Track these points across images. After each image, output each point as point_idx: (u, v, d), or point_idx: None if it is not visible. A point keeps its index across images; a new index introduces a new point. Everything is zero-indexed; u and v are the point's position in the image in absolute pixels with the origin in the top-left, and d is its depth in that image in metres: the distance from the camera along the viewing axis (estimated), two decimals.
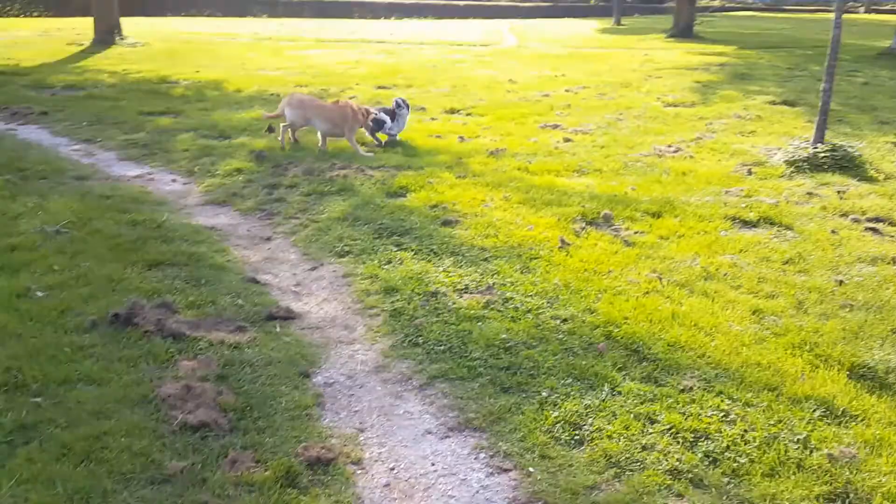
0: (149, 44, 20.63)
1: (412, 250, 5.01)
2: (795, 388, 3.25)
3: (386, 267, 4.75)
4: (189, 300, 4.20)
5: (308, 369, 3.59)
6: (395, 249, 5.03)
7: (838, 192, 6.40)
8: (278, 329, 3.98)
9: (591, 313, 4.01)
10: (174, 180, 6.99)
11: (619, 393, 3.25)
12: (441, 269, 4.69)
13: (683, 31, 27.41)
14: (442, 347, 3.69)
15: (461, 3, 56.01)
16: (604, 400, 3.19)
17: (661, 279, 4.49)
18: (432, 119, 10.10)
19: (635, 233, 5.43)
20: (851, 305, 4.13)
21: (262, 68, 15.75)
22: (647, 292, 4.31)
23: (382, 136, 8.46)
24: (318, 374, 3.57)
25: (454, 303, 4.18)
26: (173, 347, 3.63)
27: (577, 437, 2.96)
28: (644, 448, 2.88)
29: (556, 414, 3.09)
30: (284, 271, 4.90)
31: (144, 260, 4.73)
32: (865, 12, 55.24)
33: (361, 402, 3.33)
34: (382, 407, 3.28)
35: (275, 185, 6.68)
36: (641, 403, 3.16)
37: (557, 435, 2.97)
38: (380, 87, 13.17)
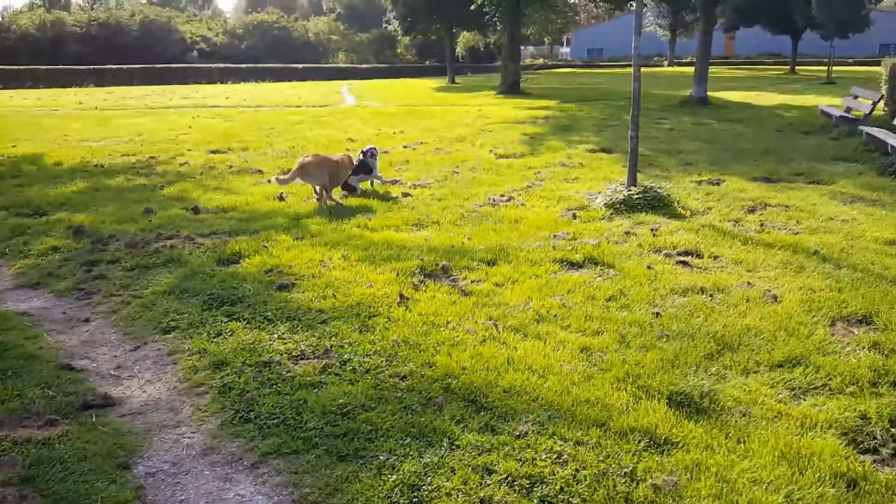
0: None
1: (245, 319, 4.79)
2: (621, 422, 3.38)
3: (215, 340, 4.50)
4: None
5: (128, 460, 3.28)
6: (227, 320, 4.80)
7: (651, 229, 6.92)
8: (94, 419, 3.63)
9: (430, 367, 4.00)
10: None
11: (458, 447, 3.23)
12: (276, 336, 4.51)
13: (511, 88, 29.10)
14: (275, 420, 3.51)
15: (300, 65, 56.33)
16: (443, 456, 3.15)
17: (496, 326, 4.58)
18: (269, 181, 9.89)
19: (472, 282, 5.54)
20: (668, 336, 4.41)
21: (86, 139, 14.86)
22: (484, 340, 4.37)
23: (365, 185, 9.14)
24: (140, 465, 3.27)
25: (289, 371, 4.01)
26: None
27: (415, 499, 2.88)
28: (482, 501, 2.86)
29: (394, 477, 3.01)
30: (103, 354, 4.51)
31: None
32: (669, 65, 61.51)
33: (187, 490, 3.08)
34: (210, 493, 3.04)
35: (95, 262, 6.21)
36: (479, 454, 3.16)
37: (395, 500, 2.88)
38: (213, 152, 12.82)
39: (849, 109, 14.91)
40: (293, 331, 4.58)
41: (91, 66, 46.30)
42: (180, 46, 61.13)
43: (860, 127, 12.73)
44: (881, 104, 14.52)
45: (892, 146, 10.25)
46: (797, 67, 47.45)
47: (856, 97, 15.39)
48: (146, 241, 6.77)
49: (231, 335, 4.57)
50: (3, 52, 50.37)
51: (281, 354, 4.23)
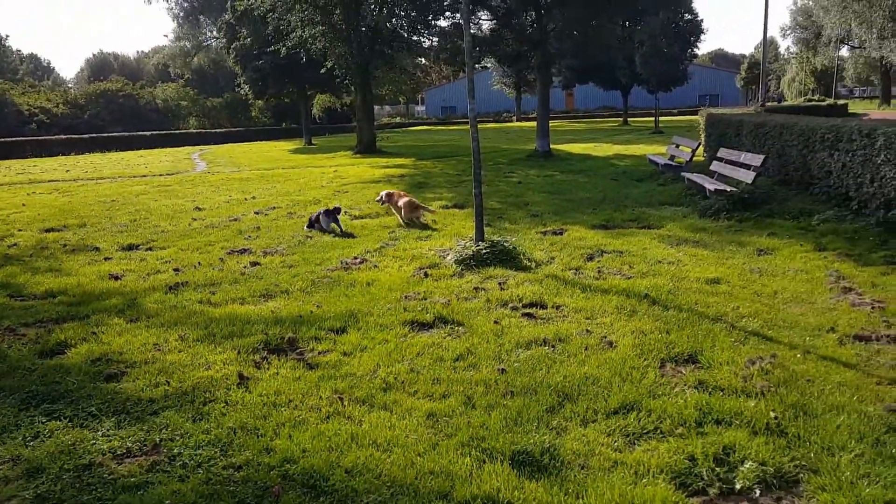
0: None
1: (66, 417, 4.37)
2: (464, 490, 3.35)
3: (31, 444, 4.06)
4: None
5: None
6: (46, 420, 4.35)
7: (499, 283, 7.10)
8: None
9: (268, 453, 3.79)
10: None
11: None
12: (100, 434, 4.13)
13: (368, 148, 29.43)
14: None
15: (147, 133, 54.06)
16: None
17: (342, 399, 4.46)
18: (106, 259, 9.28)
19: (319, 353, 5.39)
20: (512, 392, 4.48)
21: None
22: (328, 416, 4.23)
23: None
24: None
25: (111, 473, 3.67)
26: None
27: None
28: None
29: None
30: None
31: None
32: (517, 120, 64.86)
33: None
34: None
35: None
36: None
37: None
38: (47, 230, 11.88)
39: (672, 157, 16.27)
40: (119, 426, 4.21)
41: None
42: (17, 119, 56.98)
43: (682, 173, 13.90)
44: (700, 150, 15.97)
45: (709, 190, 11.25)
46: (629, 119, 51.65)
47: (678, 146, 16.85)
48: None
49: (50, 437, 4.14)
50: None
51: (104, 454, 3.87)
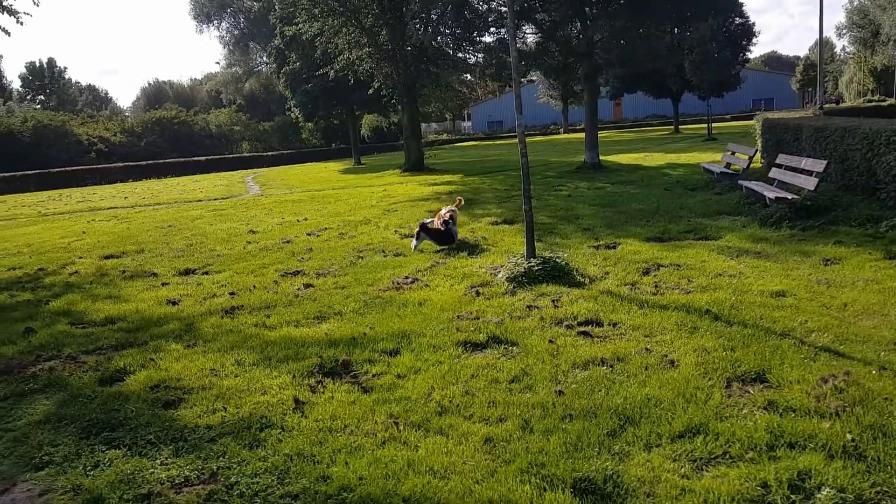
0: None
1: (125, 445, 4.41)
2: None
3: (91, 473, 4.11)
4: None
5: None
6: (106, 448, 4.40)
7: (553, 301, 6.96)
8: None
9: (325, 481, 3.75)
10: None
11: None
12: (158, 462, 4.16)
13: (416, 165, 29.62)
14: None
15: (202, 158, 55.66)
16: None
17: (397, 424, 4.39)
18: (164, 284, 9.48)
19: (374, 375, 5.35)
20: (571, 415, 4.33)
21: None
22: (384, 442, 4.17)
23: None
24: None
25: (170, 502, 3.68)
26: None
27: None
28: None
29: None
30: None
31: None
32: (564, 132, 64.47)
33: None
34: None
35: None
36: None
37: None
38: (106, 257, 12.24)
39: (728, 165, 15.84)
40: (177, 454, 4.24)
41: None
42: (77, 149, 59.46)
43: (739, 181, 13.50)
44: (757, 157, 15.51)
45: (769, 198, 10.88)
46: (680, 127, 50.73)
47: (733, 153, 16.41)
48: (23, 364, 6.25)
49: (109, 465, 4.18)
50: None
51: (162, 483, 3.89)
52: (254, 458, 4.08)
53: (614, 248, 9.50)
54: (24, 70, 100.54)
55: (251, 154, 63.58)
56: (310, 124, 53.85)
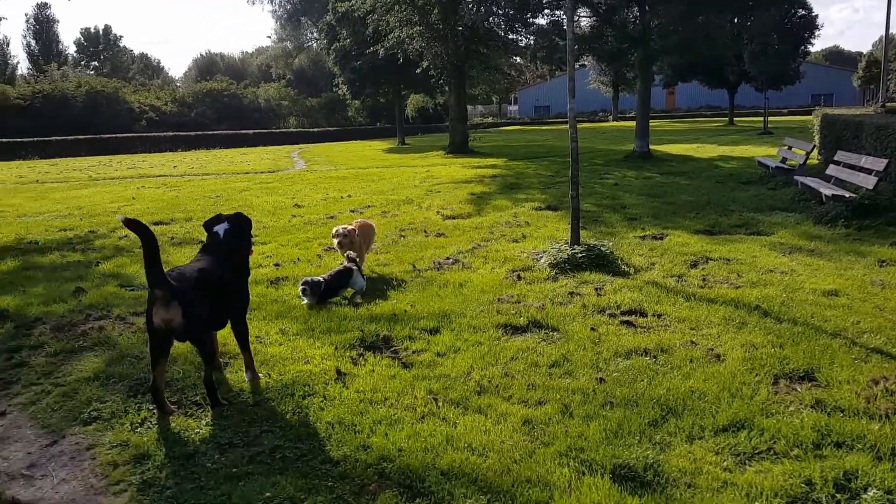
0: None
1: (172, 405, 4.52)
2: (563, 502, 3.23)
3: (138, 430, 4.23)
4: None
5: None
6: (152, 407, 4.51)
7: (596, 289, 6.89)
8: None
9: (365, 450, 3.79)
10: None
11: None
12: (203, 423, 4.26)
13: (460, 147, 29.51)
14: None
15: (250, 131, 56.37)
16: None
17: (436, 400, 4.41)
18: None
19: (414, 352, 5.38)
20: (612, 403, 4.30)
21: (23, 214, 14.42)
22: (423, 417, 4.20)
23: None
24: None
25: (214, 463, 3.76)
26: None
27: None
28: None
29: None
30: (17, 451, 4.17)
31: None
32: (613, 120, 63.48)
33: None
34: None
35: (17, 348, 5.85)
36: None
37: None
38: (156, 223, 12.51)
39: (784, 160, 15.43)
40: (222, 415, 4.33)
41: (34, 139, 45.54)
42: (128, 116, 60.75)
43: (795, 177, 13.14)
44: (815, 153, 15.07)
45: (825, 195, 10.57)
46: (735, 119, 49.49)
47: (790, 147, 15.97)
48: (74, 323, 6.45)
49: (155, 424, 4.30)
50: None
51: (207, 444, 3.98)
52: (296, 424, 4.15)
53: (661, 238, 9.35)
54: (80, 36, 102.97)
55: (297, 129, 64.15)
56: (356, 102, 54.01)
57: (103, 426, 4.35)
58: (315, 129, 62.81)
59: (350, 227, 7.89)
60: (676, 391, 4.43)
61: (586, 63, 51.40)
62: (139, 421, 4.34)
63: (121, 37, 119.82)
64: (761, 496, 3.29)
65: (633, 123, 24.61)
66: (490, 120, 79.55)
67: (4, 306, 7.00)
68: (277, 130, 62.30)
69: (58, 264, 9.24)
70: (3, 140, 44.86)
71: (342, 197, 15.50)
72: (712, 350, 5.14)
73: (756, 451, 3.71)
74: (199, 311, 4.35)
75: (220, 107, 67.75)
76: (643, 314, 6.11)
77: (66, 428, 4.40)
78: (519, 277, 7.51)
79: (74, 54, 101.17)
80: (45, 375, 5.26)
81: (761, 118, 39.15)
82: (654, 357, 5.07)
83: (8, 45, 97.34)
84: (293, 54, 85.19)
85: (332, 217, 12.45)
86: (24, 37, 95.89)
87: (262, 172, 24.27)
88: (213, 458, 3.82)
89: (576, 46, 8.12)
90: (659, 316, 6.06)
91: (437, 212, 12.57)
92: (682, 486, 3.40)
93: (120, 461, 3.89)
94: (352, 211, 13.13)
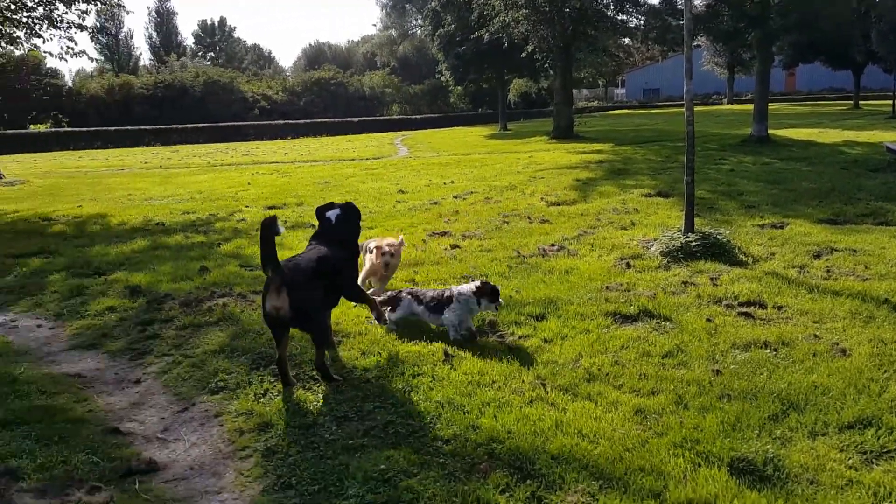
0: (29, 181, 19.95)
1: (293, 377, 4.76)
2: (678, 493, 3.17)
3: (262, 400, 4.48)
4: (38, 463, 3.76)
5: None
6: (273, 380, 4.77)
7: (711, 279, 6.65)
8: (137, 485, 3.61)
9: (475, 430, 3.85)
10: (39, 326, 6.47)
11: None
12: (320, 396, 4.46)
13: (564, 132, 29.06)
14: (317, 487, 3.42)
15: (355, 119, 57.83)
16: None
17: (544, 385, 4.42)
18: None
19: (520, 337, 5.40)
20: (729, 395, 4.16)
21: (149, 197, 15.43)
22: (531, 401, 4.21)
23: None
24: None
25: (331, 434, 3.94)
26: None
27: None
28: None
29: None
30: (151, 416, 4.52)
31: None
32: (728, 103, 60.63)
33: None
34: None
35: (149, 322, 6.31)
36: None
37: None
38: (270, 208, 13.09)
39: None
40: (338, 391, 4.51)
41: (157, 127, 48.65)
42: (242, 105, 63.73)
43: None
44: None
45: None
46: (861, 102, 46.14)
47: None
48: (200, 299, 6.87)
49: (277, 395, 4.54)
50: (74, 115, 53.59)
51: (325, 416, 4.17)
52: (407, 402, 4.27)
53: (781, 227, 8.90)
54: (197, 27, 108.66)
55: (400, 117, 65.27)
56: (459, 88, 54.22)
57: (229, 395, 4.63)
58: (417, 116, 63.68)
59: (396, 242, 6.48)
60: (798, 386, 4.24)
61: (700, 44, 49.27)
62: (262, 392, 4.60)
63: (235, 28, 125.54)
64: (890, 497, 3.11)
65: (749, 107, 23.41)
66: (595, 104, 77.81)
67: (137, 282, 7.56)
68: (381, 118, 63.62)
69: (183, 244, 9.85)
70: (129, 128, 48.17)
71: (445, 183, 15.65)
72: (837, 344, 4.87)
73: (885, 451, 3.51)
74: (308, 301, 4.56)
75: (326, 95, 69.87)
76: (763, 306, 5.85)
77: (196, 396, 4.72)
78: (628, 265, 7.36)
79: (192, 45, 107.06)
80: (175, 347, 5.65)
81: (890, 101, 36.27)
82: (775, 350, 4.86)
83: (132, 37, 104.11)
84: (397, 42, 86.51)
85: (435, 203, 12.60)
86: (146, 29, 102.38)
87: (366, 159, 24.86)
88: (330, 430, 3.99)
89: (692, 27, 7.81)
90: (780, 308, 5.79)
91: (541, 198, 12.47)
92: (804, 483, 3.26)
93: (245, 428, 4.14)
94: (454, 197, 13.23)
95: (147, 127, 48.72)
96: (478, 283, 5.50)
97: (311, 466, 3.61)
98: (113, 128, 47.78)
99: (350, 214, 5.39)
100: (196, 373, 5.07)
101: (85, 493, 3.50)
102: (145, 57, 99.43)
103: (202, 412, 4.49)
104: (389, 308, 5.66)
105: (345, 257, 5.17)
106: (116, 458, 3.87)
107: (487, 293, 5.38)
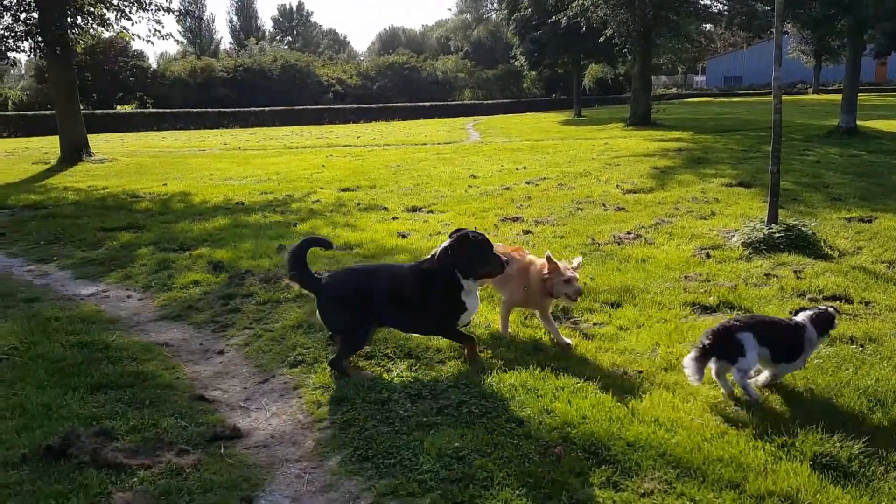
0: (116, 159, 20.87)
1: (367, 357, 4.86)
2: (758, 485, 3.10)
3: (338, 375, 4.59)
4: (130, 425, 3.98)
5: (251, 493, 3.37)
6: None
7: (795, 271, 6.43)
8: (222, 450, 3.77)
9: (548, 414, 3.86)
10: (129, 296, 6.82)
11: (577, 501, 3.07)
12: (395, 374, 4.55)
13: (642, 119, 28.42)
14: (392, 461, 3.50)
15: (427, 104, 58.05)
16: None
17: (621, 373, 4.37)
18: (394, 218, 10.15)
19: (595, 324, 5.35)
20: (812, 389, 4.03)
21: (229, 178, 15.93)
22: (607, 387, 4.18)
23: None
24: (262, 498, 3.35)
25: (406, 410, 4.01)
26: (108, 479, 3.40)
27: None
28: None
29: None
30: (234, 386, 4.71)
31: (87, 384, 4.51)
32: (813, 93, 57.96)
33: None
34: None
35: (231, 296, 6.54)
36: None
37: None
38: (343, 190, 13.33)
39: None
40: (411, 369, 4.59)
41: (236, 109, 50.09)
42: (318, 88, 64.84)
43: None
44: None
45: None
46: None
47: None
48: (278, 276, 7.07)
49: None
50: (158, 97, 55.72)
51: (399, 393, 4.25)
52: (479, 383, 4.30)
53: (870, 221, 8.50)
54: (276, 12, 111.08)
55: (472, 101, 65.10)
56: (533, 73, 53.59)
57: (307, 369, 4.78)
58: (489, 101, 63.36)
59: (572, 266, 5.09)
60: (886, 383, 4.07)
61: (787, 30, 47.13)
62: None
63: (312, 12, 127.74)
64: None
65: (836, 97, 22.34)
66: (674, 91, 75.62)
67: (220, 258, 7.84)
68: (453, 102, 63.64)
69: (262, 224, 10.16)
70: (210, 110, 49.76)
71: (517, 168, 15.57)
72: None
73: None
74: (333, 313, 4.68)
75: (399, 79, 70.31)
76: (849, 300, 5.63)
77: (276, 368, 4.88)
78: (708, 256, 7.18)
79: (271, 29, 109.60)
80: (256, 321, 5.85)
81: None
82: (861, 346, 4.68)
83: (213, 21, 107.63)
84: (472, 26, 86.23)
85: (507, 188, 12.56)
86: (228, 13, 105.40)
87: (438, 144, 24.94)
88: (405, 406, 4.07)
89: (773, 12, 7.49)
90: (867, 303, 5.55)
91: (617, 185, 12.27)
92: (891, 481, 3.14)
93: (323, 401, 4.27)
94: (527, 183, 13.16)
95: (226, 109, 50.24)
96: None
97: (386, 440, 3.69)
98: (195, 109, 49.49)
99: (456, 248, 4.52)
100: (276, 346, 5.24)
101: (174, 455, 3.68)
102: (226, 41, 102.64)
103: (282, 384, 4.64)
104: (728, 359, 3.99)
105: (410, 289, 4.60)
106: (202, 423, 4.05)
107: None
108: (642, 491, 3.12)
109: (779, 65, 7.46)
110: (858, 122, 20.79)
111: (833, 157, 15.47)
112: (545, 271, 4.89)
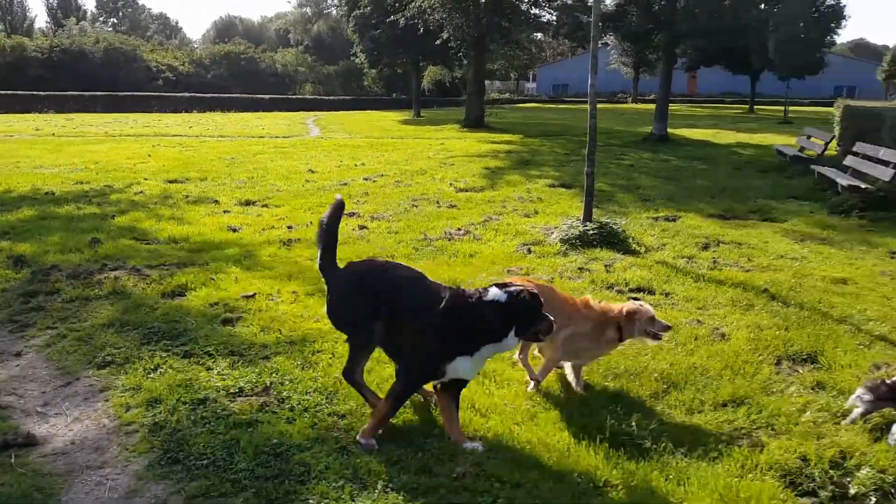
0: None
1: (184, 355, 4.63)
2: (562, 463, 3.31)
3: (151, 376, 4.33)
4: None
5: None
6: (165, 355, 4.62)
7: (605, 265, 6.94)
8: (13, 460, 3.43)
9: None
10: None
11: (392, 489, 3.11)
12: (215, 372, 4.36)
13: (476, 122, 29.34)
14: (205, 461, 3.36)
15: (266, 96, 56.20)
16: (375, 500, 3.04)
17: None
18: (225, 212, 9.75)
19: None
20: (614, 374, 4.38)
21: (39, 166, 14.49)
22: None
23: None
24: None
25: (224, 409, 3.87)
26: None
27: None
28: None
29: None
30: (32, 390, 4.29)
31: None
32: (633, 102, 62.83)
33: None
34: None
35: (33, 293, 5.97)
36: (414, 498, 3.05)
37: None
38: (171, 181, 12.60)
39: (802, 149, 15.34)
40: (233, 366, 4.43)
41: (51, 93, 45.61)
42: (145, 75, 60.69)
43: (812, 166, 13.07)
44: (833, 144, 14.95)
45: (841, 185, 10.52)
46: (756, 107, 48.90)
47: (809, 137, 15.86)
48: (90, 271, 6.56)
49: (169, 370, 4.40)
50: None
51: (218, 391, 4.08)
52: (305, 378, 4.25)
53: (674, 220, 9.37)
54: None
55: (313, 97, 63.89)
56: (373, 71, 53.48)
57: (117, 370, 4.46)
58: (331, 97, 62.54)
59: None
60: (679, 366, 4.50)
61: (608, 42, 50.73)
62: (152, 367, 4.45)
63: None
64: (756, 468, 3.37)
65: (652, 106, 24.37)
66: (507, 96, 78.80)
67: (22, 252, 7.13)
68: (293, 97, 62.11)
69: (74, 215, 9.34)
70: (21, 92, 44.98)
71: (356, 165, 15.53)
72: (717, 329, 5.20)
73: (755, 427, 3.78)
74: (339, 305, 3.97)
75: (236, 70, 67.53)
76: (651, 292, 6.16)
77: (81, 371, 4.51)
78: (529, 251, 7.56)
79: (94, 10, 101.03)
80: (60, 320, 5.38)
81: (782, 107, 38.70)
82: None
83: None
84: (312, 20, 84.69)
85: (345, 184, 12.50)
86: None
87: (277, 137, 24.27)
88: (223, 405, 3.92)
89: (599, 24, 8.05)
90: (667, 294, 6.11)
91: (450, 184, 12.59)
92: (679, 455, 3.48)
93: (132, 404, 4.01)
94: (365, 179, 13.16)
95: (40, 93, 45.58)
96: None
97: (200, 441, 3.54)
98: (2, 91, 44.46)
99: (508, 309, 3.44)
100: (82, 347, 4.86)
101: None
102: (41, 19, 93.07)
103: (87, 387, 4.31)
104: None
105: (417, 320, 3.61)
106: None
107: None
108: (455, 475, 3.22)
109: (594, 72, 8.00)
110: (669, 130, 22.84)
111: (646, 161, 16.88)
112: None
